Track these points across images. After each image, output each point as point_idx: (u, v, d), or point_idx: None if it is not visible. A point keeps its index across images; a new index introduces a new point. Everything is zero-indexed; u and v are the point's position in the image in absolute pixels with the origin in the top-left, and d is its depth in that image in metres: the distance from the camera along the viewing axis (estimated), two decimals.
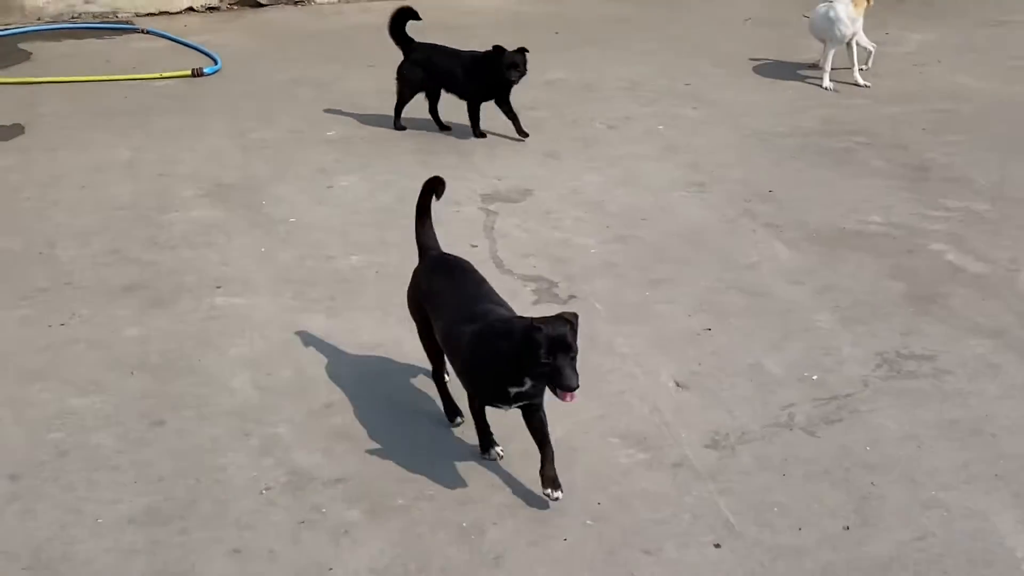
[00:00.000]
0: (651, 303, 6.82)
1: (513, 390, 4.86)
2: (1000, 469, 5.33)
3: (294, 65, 10.97)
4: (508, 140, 9.27)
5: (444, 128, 9.44)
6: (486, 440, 5.39)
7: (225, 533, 4.96)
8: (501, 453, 5.37)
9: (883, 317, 6.65)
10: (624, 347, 6.31)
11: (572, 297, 6.85)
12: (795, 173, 8.62)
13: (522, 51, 8.74)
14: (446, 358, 5.45)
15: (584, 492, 5.21)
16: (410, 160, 8.84)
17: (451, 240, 7.42)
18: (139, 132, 9.26)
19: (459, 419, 5.63)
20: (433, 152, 9.01)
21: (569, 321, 4.68)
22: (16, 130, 9.27)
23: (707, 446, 5.52)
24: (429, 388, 5.90)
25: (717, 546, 4.89)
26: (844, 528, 4.98)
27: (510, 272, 7.15)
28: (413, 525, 5.04)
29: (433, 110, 9.43)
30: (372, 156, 8.88)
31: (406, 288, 5.61)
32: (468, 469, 5.36)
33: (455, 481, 5.29)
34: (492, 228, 7.72)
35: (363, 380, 6.03)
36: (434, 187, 5.61)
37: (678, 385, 6.01)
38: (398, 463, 5.41)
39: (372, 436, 5.59)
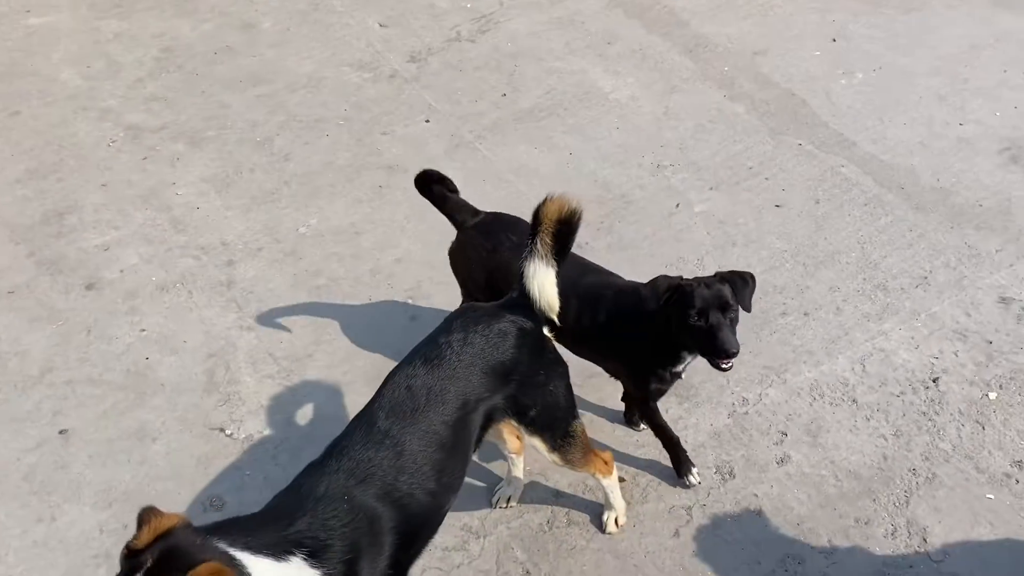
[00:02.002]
0: None
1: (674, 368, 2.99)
2: (589, 42, 5.60)
3: None
4: None
5: None
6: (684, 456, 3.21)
7: (92, 175, 4.77)
8: (698, 477, 3.21)
9: None
10: (339, 6, 6.05)
11: None
12: None
13: None
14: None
15: (333, 106, 5.22)
16: None
17: None
18: None
19: None
20: None
21: (727, 280, 2.82)
22: None
23: (408, 61, 5.55)
24: (217, 51, 5.62)
25: (427, 121, 5.08)
26: (502, 95, 5.24)
27: None
28: (224, 147, 4.98)
29: None
30: None
31: None
32: (255, 100, 5.26)
33: (249, 110, 5.19)
34: None
35: (159, 57, 5.64)
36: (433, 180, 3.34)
37: (381, 25, 5.90)
38: (202, 109, 5.24)
39: (177, 96, 5.33)
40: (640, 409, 3.22)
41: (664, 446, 3.19)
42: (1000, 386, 3.45)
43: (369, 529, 2.25)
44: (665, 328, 2.83)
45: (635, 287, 3.01)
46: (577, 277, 3.02)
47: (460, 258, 3.35)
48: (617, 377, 3.22)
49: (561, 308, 2.89)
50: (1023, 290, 3.80)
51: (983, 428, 3.31)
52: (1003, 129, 4.62)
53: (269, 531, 2.16)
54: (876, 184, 4.40)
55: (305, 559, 2.14)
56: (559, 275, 2.70)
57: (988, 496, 3.10)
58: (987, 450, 3.24)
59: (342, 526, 2.21)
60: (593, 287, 3.05)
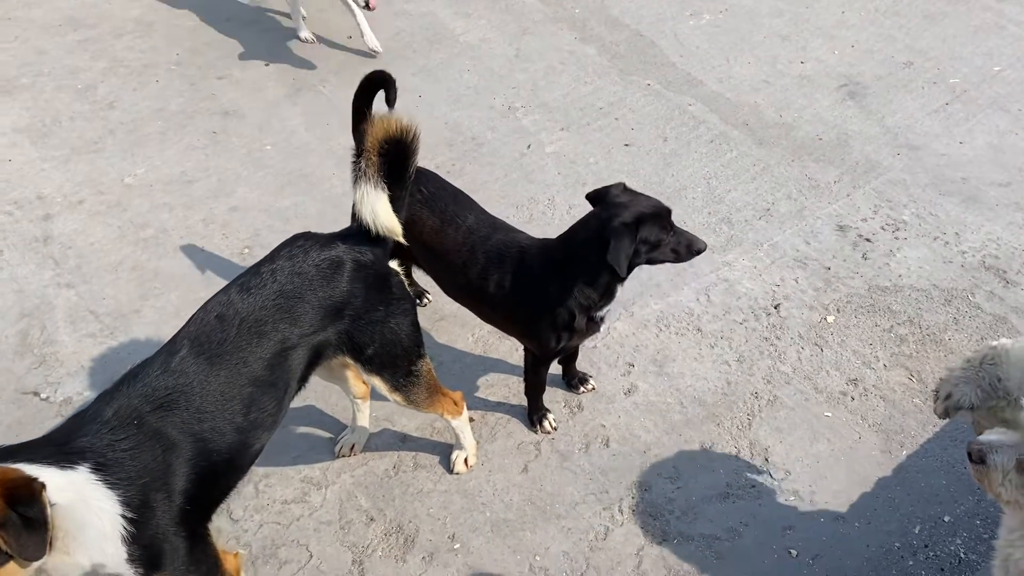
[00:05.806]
0: None
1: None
2: None
3: None
4: None
5: None
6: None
7: None
8: (555, 423, 3.16)
9: None
10: None
11: None
12: None
13: None
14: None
15: (164, 51, 4.88)
16: None
17: None
18: None
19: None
20: None
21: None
22: None
23: (247, 3, 5.25)
24: None
25: (267, 64, 4.80)
26: (348, 37, 4.99)
27: None
28: (39, 95, 4.58)
29: None
30: None
31: None
32: (75, 45, 4.85)
33: (68, 56, 4.78)
34: None
35: None
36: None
37: None
38: (15, 55, 4.79)
39: None
40: (531, 364, 2.99)
41: (527, 392, 3.10)
42: (838, 309, 3.53)
43: (163, 457, 2.07)
44: (596, 270, 2.64)
45: (545, 243, 2.81)
46: (488, 234, 2.86)
47: None
48: (521, 338, 2.98)
49: (467, 267, 2.80)
50: (858, 218, 3.90)
51: (821, 350, 3.38)
52: (840, 67, 4.73)
53: (48, 447, 1.99)
54: (722, 121, 4.43)
55: (92, 470, 1.97)
56: (398, 201, 2.52)
57: (826, 414, 3.17)
58: (825, 370, 3.31)
59: (132, 448, 2.04)
60: (501, 245, 2.83)
